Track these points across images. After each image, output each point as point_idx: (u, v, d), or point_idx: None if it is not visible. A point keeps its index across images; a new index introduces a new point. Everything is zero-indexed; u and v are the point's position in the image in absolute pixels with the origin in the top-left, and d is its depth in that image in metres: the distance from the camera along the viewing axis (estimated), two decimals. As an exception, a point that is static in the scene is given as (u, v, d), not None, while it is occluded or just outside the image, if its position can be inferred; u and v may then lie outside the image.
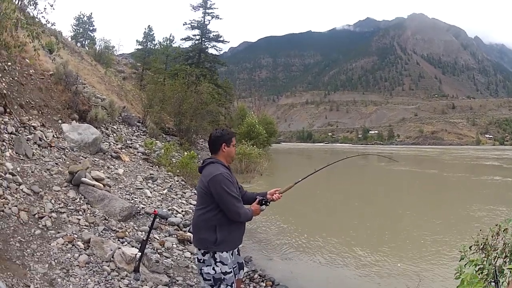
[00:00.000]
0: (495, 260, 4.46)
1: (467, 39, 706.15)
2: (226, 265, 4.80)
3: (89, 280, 6.26)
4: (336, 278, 9.45)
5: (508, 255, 4.39)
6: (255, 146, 36.11)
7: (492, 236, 4.63)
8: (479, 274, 4.10)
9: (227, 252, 4.83)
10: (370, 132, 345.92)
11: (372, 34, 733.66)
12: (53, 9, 13.00)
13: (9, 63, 13.06)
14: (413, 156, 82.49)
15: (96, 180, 10.02)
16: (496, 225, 4.64)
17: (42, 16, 13.16)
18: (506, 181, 31.21)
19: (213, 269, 4.77)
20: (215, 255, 4.77)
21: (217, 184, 4.65)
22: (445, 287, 8.30)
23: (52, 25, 14.21)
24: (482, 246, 4.67)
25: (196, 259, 5.12)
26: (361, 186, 30.05)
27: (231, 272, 4.85)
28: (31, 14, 14.44)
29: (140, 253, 6.76)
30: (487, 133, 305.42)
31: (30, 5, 14.34)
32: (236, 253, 5.21)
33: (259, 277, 8.72)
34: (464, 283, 3.56)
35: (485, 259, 4.39)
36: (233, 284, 4.90)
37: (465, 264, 4.23)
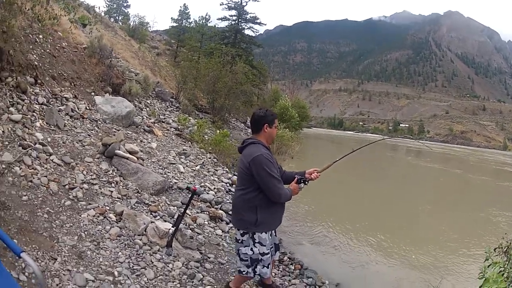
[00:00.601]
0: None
1: (500, 42, 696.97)
2: (265, 246, 4.77)
3: (120, 253, 6.15)
4: (361, 267, 9.52)
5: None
6: (287, 129, 35.87)
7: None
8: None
9: (266, 233, 4.79)
10: (401, 125, 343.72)
11: (407, 27, 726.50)
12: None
13: (40, 36, 12.96)
14: (442, 155, 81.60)
15: (130, 153, 10.00)
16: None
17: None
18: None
19: (251, 249, 4.75)
20: (254, 235, 4.73)
21: (258, 165, 4.64)
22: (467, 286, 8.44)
23: (89, -2, 14.21)
24: (505, 249, 4.71)
25: (234, 239, 5.11)
26: (388, 179, 30.18)
27: (268, 253, 4.83)
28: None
29: (174, 228, 6.65)
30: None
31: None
32: (274, 234, 5.18)
33: (288, 259, 8.70)
34: (489, 281, 3.80)
35: (507, 262, 4.45)
36: (269, 265, 4.90)
37: (489, 266, 4.28)
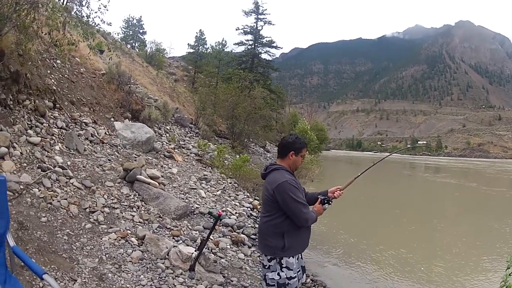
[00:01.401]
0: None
1: (511, 47, 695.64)
2: (292, 270, 4.64)
3: (142, 276, 6.17)
4: (384, 286, 9.43)
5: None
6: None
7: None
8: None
9: (293, 257, 4.68)
10: (419, 142, 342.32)
11: (421, 41, 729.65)
12: (107, 10, 13.00)
13: (58, 61, 13.11)
14: (460, 169, 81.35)
15: (151, 178, 10.07)
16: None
17: (97, 16, 13.17)
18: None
19: (278, 274, 4.62)
20: (282, 260, 4.61)
21: (283, 192, 4.48)
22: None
23: (108, 25, 14.21)
24: None
25: (261, 264, 5.00)
26: (404, 196, 30.05)
27: (295, 277, 4.70)
28: (82, 14, 14.50)
29: (197, 252, 6.68)
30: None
31: (81, 5, 14.40)
32: (300, 257, 5.03)
33: (311, 281, 8.72)
34: None
35: None
36: None
37: (510, 274, 4.30)
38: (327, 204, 5.01)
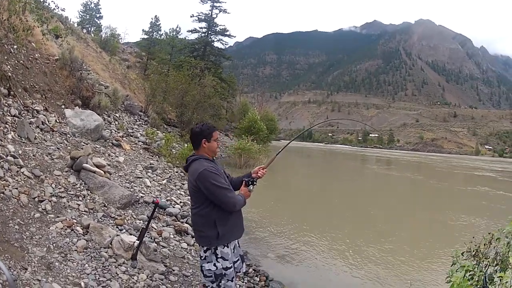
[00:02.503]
0: (486, 268, 4.53)
1: (472, 48, 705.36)
2: (227, 260, 4.82)
3: (86, 265, 6.30)
4: (328, 278, 9.58)
5: (499, 263, 4.45)
6: (255, 141, 36.10)
7: (484, 244, 4.71)
8: (469, 280, 4.17)
9: (228, 247, 4.86)
10: (370, 135, 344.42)
11: (378, 37, 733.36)
12: (63, -6, 13.05)
13: (15, 46, 13.10)
14: (410, 163, 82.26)
15: (97, 166, 10.10)
16: (489, 233, 4.71)
17: (52, 1, 13.19)
18: (497, 193, 31.06)
19: (214, 265, 4.79)
20: (217, 251, 4.79)
21: (205, 180, 4.64)
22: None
23: (62, 10, 14.20)
24: (474, 253, 4.72)
25: (199, 256, 5.10)
26: (353, 188, 30.26)
27: (231, 267, 4.87)
28: (40, -1, 14.50)
29: (138, 241, 6.82)
30: (487, 144, 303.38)
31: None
32: (238, 245, 5.24)
33: (253, 271, 8.81)
34: (454, 286, 3.74)
35: (476, 266, 4.47)
36: (234, 279, 4.93)
37: (457, 270, 4.32)
38: (251, 186, 5.17)
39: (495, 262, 4.53)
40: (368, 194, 26.72)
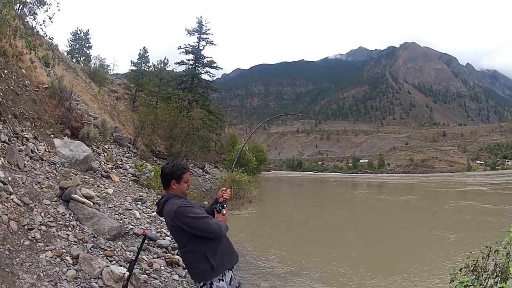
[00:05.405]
0: (486, 281, 4.55)
1: (458, 67, 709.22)
2: None
3: None
4: None
5: (499, 274, 4.47)
6: (245, 173, 36.12)
7: (482, 258, 4.71)
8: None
9: (223, 280, 4.77)
10: (360, 161, 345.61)
11: (364, 63, 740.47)
12: (52, 22, 13.05)
13: (5, 71, 13.09)
14: (400, 185, 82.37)
15: (86, 197, 10.04)
16: (487, 247, 4.70)
17: (41, 28, 13.21)
18: (483, 207, 31.37)
19: None
20: (212, 286, 4.71)
21: (182, 217, 4.58)
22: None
23: (49, 39, 14.23)
24: (472, 268, 4.75)
25: None
26: (342, 215, 30.20)
27: None
28: (30, 25, 14.49)
29: (128, 273, 6.68)
30: (478, 159, 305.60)
31: (30, 15, 14.42)
32: (233, 276, 5.09)
33: None
34: None
35: (476, 280, 4.51)
36: None
37: (456, 286, 4.40)
38: (223, 210, 5.13)
39: (495, 274, 4.56)
40: (360, 221, 26.54)
